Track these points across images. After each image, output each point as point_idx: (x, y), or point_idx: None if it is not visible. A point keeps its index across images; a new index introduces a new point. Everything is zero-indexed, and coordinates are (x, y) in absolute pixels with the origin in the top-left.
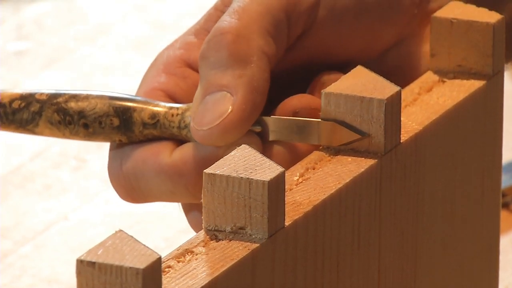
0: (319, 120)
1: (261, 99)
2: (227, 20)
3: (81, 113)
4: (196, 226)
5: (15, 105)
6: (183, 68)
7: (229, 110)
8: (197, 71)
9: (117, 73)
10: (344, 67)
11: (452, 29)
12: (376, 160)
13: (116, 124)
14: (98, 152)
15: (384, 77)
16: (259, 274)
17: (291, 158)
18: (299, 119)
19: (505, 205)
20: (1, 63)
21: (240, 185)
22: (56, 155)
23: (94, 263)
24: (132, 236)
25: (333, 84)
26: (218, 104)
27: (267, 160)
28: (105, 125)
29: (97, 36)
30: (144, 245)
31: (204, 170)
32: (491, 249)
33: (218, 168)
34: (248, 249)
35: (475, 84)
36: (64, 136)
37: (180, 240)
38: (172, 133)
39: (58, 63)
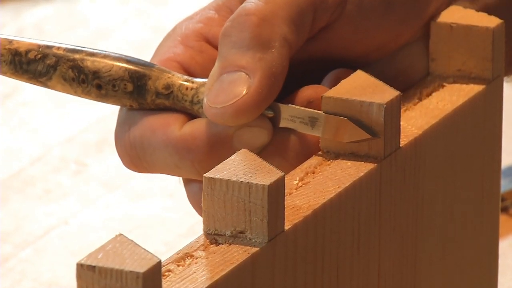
0: (332, 115)
1: (278, 85)
2: (254, 2)
3: (96, 73)
4: (193, 199)
5: (31, 55)
6: (201, 42)
7: (244, 92)
8: (215, 47)
9: None
10: (358, 62)
11: (451, 34)
12: (375, 164)
13: (129, 90)
14: (98, 156)
15: (394, 77)
16: (259, 278)
17: (300, 148)
18: (313, 111)
19: (504, 209)
20: None
21: (240, 189)
22: (56, 160)
23: (94, 267)
24: (132, 240)
25: (332, 88)
26: (234, 84)
27: (267, 164)
28: (118, 88)
29: (98, 41)
30: (144, 249)
31: (204, 174)
32: (490, 253)
33: (218, 172)
34: (248, 253)
35: (474, 89)
36: (75, 93)
37: (180, 244)
38: (184, 106)
39: None
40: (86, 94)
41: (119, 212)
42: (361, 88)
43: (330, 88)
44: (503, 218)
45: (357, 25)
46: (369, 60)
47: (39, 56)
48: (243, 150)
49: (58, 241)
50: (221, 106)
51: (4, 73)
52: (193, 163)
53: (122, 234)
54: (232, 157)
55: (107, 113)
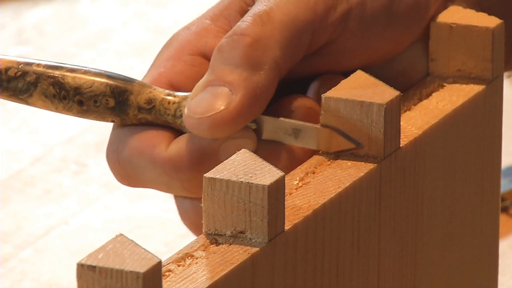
0: (316, 125)
1: (260, 106)
2: (251, 22)
3: (77, 90)
4: (184, 215)
5: (11, 73)
6: (194, 56)
7: (223, 107)
8: (208, 60)
9: None
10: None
11: (451, 34)
12: (375, 164)
13: (111, 105)
14: (98, 156)
15: (394, 78)
16: (259, 278)
17: (287, 159)
18: (296, 122)
19: (504, 209)
20: None
21: (240, 189)
22: (57, 160)
23: (94, 267)
24: (132, 240)
25: (333, 88)
26: (216, 97)
27: (267, 164)
28: (100, 104)
29: (98, 42)
30: (145, 249)
31: (204, 175)
32: (490, 253)
33: (218, 172)
34: (248, 253)
35: (474, 89)
36: (56, 110)
37: (180, 244)
38: (166, 120)
39: None
40: (68, 110)
41: (119, 213)
42: (361, 88)
43: (316, 94)
44: (503, 218)
45: (360, 39)
46: (374, 66)
47: (19, 73)
48: (243, 150)
49: (59, 241)
50: (198, 117)
51: None
52: (182, 183)
53: (122, 234)
54: (232, 157)
55: None
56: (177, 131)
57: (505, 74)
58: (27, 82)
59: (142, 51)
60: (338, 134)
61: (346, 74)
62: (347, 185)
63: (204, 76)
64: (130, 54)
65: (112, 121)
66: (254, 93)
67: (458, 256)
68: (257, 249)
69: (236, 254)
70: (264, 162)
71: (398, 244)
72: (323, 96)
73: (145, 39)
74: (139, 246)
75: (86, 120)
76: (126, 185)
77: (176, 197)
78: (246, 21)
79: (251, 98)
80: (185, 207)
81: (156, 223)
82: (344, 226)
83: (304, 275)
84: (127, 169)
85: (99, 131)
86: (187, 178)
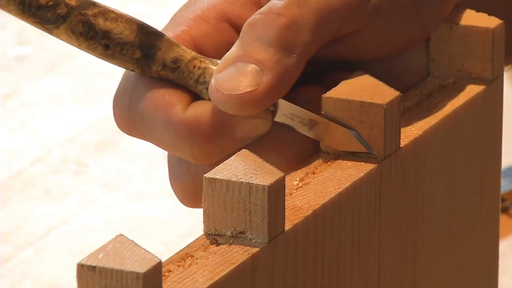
0: (335, 123)
1: (287, 89)
2: (287, 2)
3: (106, 33)
4: (172, 171)
5: (42, 1)
6: (220, 21)
7: (253, 87)
8: (234, 28)
9: (118, 78)
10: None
11: (451, 34)
12: (375, 164)
13: (137, 56)
14: (98, 157)
15: (392, 79)
16: (259, 279)
17: (296, 146)
18: (314, 115)
19: (504, 210)
20: (2, 68)
21: (240, 190)
22: (57, 160)
23: (94, 267)
24: (132, 241)
25: (333, 88)
26: (246, 76)
27: (267, 164)
28: (126, 53)
29: None
30: (145, 249)
31: (205, 175)
32: (491, 253)
33: (218, 172)
34: (248, 254)
35: (474, 89)
36: (79, 46)
37: (180, 244)
38: (187, 83)
39: (59, 69)
40: (91, 50)
41: (119, 213)
42: (361, 88)
43: (328, 89)
44: (503, 219)
45: (385, 33)
46: (389, 58)
47: (51, 3)
48: (243, 150)
49: (59, 241)
50: (227, 93)
51: (10, 11)
52: (192, 148)
53: (122, 235)
54: (233, 157)
55: (108, 114)
56: (195, 95)
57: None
58: (57, 14)
59: None
60: (353, 136)
61: (362, 64)
62: (347, 185)
63: (233, 49)
64: None
65: (132, 70)
66: (284, 76)
67: (458, 256)
68: (257, 249)
69: (236, 255)
70: (264, 162)
71: (398, 244)
72: (323, 96)
73: None
74: (139, 246)
75: (86, 120)
76: (128, 134)
77: (169, 159)
78: (282, 0)
79: (281, 81)
80: (180, 170)
81: (156, 223)
82: (344, 226)
83: (304, 275)
84: (135, 119)
85: (99, 131)
86: (199, 144)
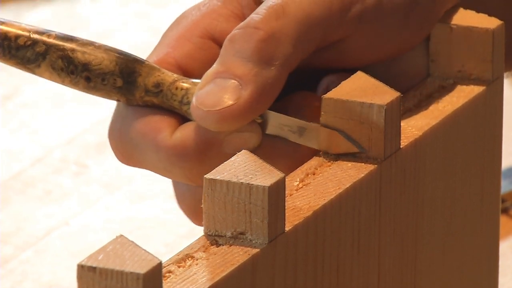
0: (321, 126)
1: (268, 102)
2: (264, 16)
3: (86, 66)
4: (180, 198)
5: (21, 41)
6: (203, 39)
7: (232, 102)
8: (219, 44)
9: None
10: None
11: (451, 35)
12: (376, 165)
13: (118, 85)
14: (98, 157)
15: (391, 80)
16: (259, 279)
17: (290, 155)
18: (301, 121)
19: (505, 211)
20: (2, 68)
21: (241, 190)
22: (57, 161)
23: (95, 268)
24: (132, 241)
25: (333, 89)
26: (226, 91)
27: (267, 165)
28: (107, 82)
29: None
30: (145, 250)
31: (205, 176)
32: (491, 254)
33: (218, 173)
34: (249, 254)
35: (474, 90)
36: (63, 83)
37: (180, 245)
38: (172, 105)
39: None
40: (74, 85)
41: (120, 214)
42: (361, 89)
43: (322, 94)
44: (503, 219)
45: (372, 39)
46: (381, 64)
47: (29, 42)
48: (243, 151)
49: (59, 242)
50: (207, 110)
51: None
52: (184, 170)
53: (122, 235)
54: (233, 158)
55: (108, 114)
56: (182, 117)
57: (505, 74)
58: (36, 52)
59: (142, 52)
60: (342, 137)
61: (353, 70)
62: (347, 186)
63: (214, 65)
64: None
65: (118, 100)
66: (264, 89)
67: (458, 257)
68: (258, 250)
69: (237, 255)
70: (264, 163)
71: (398, 245)
72: (323, 97)
73: (145, 39)
74: (140, 247)
75: (86, 121)
76: (125, 163)
77: (173, 181)
78: (260, 13)
79: (260, 94)
80: (182, 191)
81: (156, 224)
82: (345, 227)
83: (304, 276)
84: (128, 148)
85: (99, 131)
86: (190, 166)
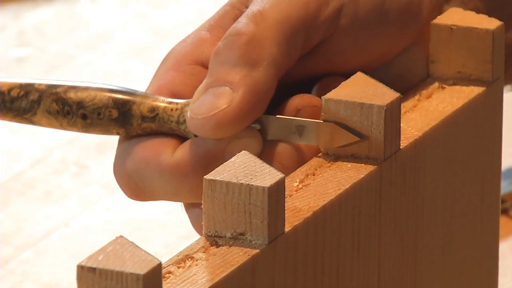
0: (318, 121)
1: (263, 103)
2: (245, 22)
3: (80, 104)
4: (196, 223)
5: (14, 93)
6: (192, 66)
7: (226, 105)
8: (207, 68)
9: (117, 80)
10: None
11: (451, 36)
12: (376, 166)
13: (114, 116)
14: (98, 158)
15: (391, 82)
16: (259, 280)
17: (293, 157)
18: (298, 119)
19: (504, 211)
20: (2, 70)
21: (240, 191)
22: (57, 162)
23: (94, 268)
24: (132, 242)
25: (333, 90)
26: (218, 97)
27: (267, 166)
28: (103, 116)
29: (98, 43)
30: (145, 251)
31: (204, 176)
32: (491, 254)
33: (218, 174)
34: (248, 255)
35: (474, 91)
36: (61, 126)
37: (180, 246)
38: (170, 127)
39: (59, 70)
40: (72, 126)
41: (120, 214)
42: (361, 90)
43: (318, 96)
44: (503, 220)
45: (354, 37)
46: (370, 68)
47: (22, 93)
48: (243, 152)
49: (59, 243)
50: (202, 117)
51: None
52: (191, 187)
53: (122, 236)
54: (233, 159)
55: None
56: (182, 138)
57: (508, 87)
58: (31, 101)
59: (142, 52)
60: (341, 128)
61: (343, 76)
62: (347, 186)
63: (204, 80)
64: (130, 55)
65: (117, 134)
66: (255, 89)
67: (458, 257)
68: (257, 250)
69: (236, 256)
70: (264, 163)
71: (398, 246)
72: (323, 97)
73: (145, 40)
74: (139, 248)
75: None
76: (136, 199)
77: (186, 206)
78: (240, 21)
79: (252, 94)
80: (197, 215)
81: (156, 225)
82: (345, 227)
83: (304, 277)
84: (135, 181)
85: None
86: (195, 182)
